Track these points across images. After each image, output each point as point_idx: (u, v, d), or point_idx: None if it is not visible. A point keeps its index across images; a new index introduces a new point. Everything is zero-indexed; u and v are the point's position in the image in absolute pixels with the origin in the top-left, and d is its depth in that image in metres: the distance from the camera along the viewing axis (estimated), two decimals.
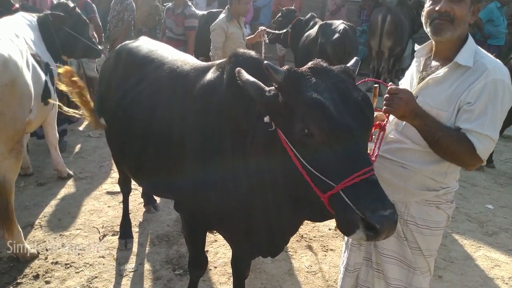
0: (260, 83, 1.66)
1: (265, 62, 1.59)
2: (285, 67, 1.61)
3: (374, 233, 1.35)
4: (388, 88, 1.73)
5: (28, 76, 3.05)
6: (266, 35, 4.69)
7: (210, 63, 2.36)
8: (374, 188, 1.42)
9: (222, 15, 4.80)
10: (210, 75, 2.16)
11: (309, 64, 1.60)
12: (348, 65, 1.68)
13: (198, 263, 2.55)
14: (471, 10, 1.79)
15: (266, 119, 1.64)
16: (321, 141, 1.45)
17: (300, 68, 1.60)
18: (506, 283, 3.18)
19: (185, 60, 2.52)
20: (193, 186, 2.12)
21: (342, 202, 1.40)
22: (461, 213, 4.14)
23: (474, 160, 1.73)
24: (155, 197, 4.01)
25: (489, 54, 1.82)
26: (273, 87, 1.62)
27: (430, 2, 1.84)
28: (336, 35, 5.49)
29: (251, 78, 1.66)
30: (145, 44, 2.91)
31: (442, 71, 1.82)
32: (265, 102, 1.61)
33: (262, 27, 4.84)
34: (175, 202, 2.41)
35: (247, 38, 4.94)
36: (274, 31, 5.88)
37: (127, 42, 3.11)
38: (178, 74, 2.37)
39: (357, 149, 1.46)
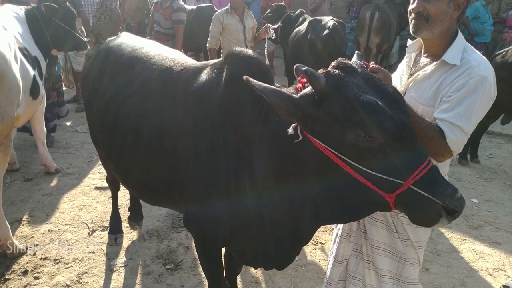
0: (285, 91, 1.55)
1: (306, 68, 1.44)
2: (321, 71, 1.51)
3: (454, 215, 1.42)
4: (370, 66, 1.75)
5: (16, 70, 3.00)
6: (272, 31, 4.79)
7: (203, 63, 2.21)
8: (439, 174, 1.46)
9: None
10: (204, 77, 2.02)
11: (334, 64, 1.53)
12: (356, 60, 1.66)
13: None
14: (451, 5, 1.77)
15: (291, 130, 1.53)
16: (383, 142, 1.41)
17: (330, 70, 1.51)
18: (491, 275, 3.26)
19: (174, 59, 2.33)
20: (195, 198, 2.01)
21: (415, 197, 1.41)
22: None
23: (442, 150, 1.71)
24: None
25: (477, 51, 1.82)
26: (304, 93, 1.52)
27: (412, 0, 1.86)
28: (326, 31, 5.52)
29: (271, 86, 1.54)
30: (129, 42, 2.73)
31: (430, 68, 1.84)
32: (300, 112, 1.49)
33: (268, 24, 4.96)
34: (184, 217, 2.19)
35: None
36: (276, 26, 5.92)
37: (109, 39, 2.94)
38: (169, 77, 2.21)
39: (414, 141, 1.47)
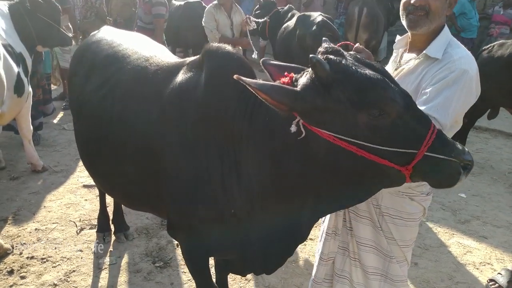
0: (285, 86, 1.45)
1: (312, 55, 1.37)
2: (320, 56, 1.45)
3: (468, 169, 1.43)
4: (355, 47, 1.75)
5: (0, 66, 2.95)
6: (253, 23, 4.74)
7: (179, 61, 2.08)
8: (444, 134, 1.48)
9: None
10: (181, 77, 1.89)
11: (322, 50, 1.47)
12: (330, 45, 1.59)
13: None
14: (447, 2, 1.80)
15: (293, 128, 1.44)
16: (395, 116, 1.40)
17: (327, 56, 1.44)
18: (477, 268, 3.30)
19: (150, 57, 2.18)
20: (177, 206, 1.91)
21: (432, 162, 1.41)
22: (435, 202, 4.26)
23: None
24: None
25: (462, 46, 1.82)
26: (304, 84, 1.43)
27: None
28: (314, 27, 5.51)
29: (268, 82, 1.44)
30: (108, 38, 2.60)
31: (413, 62, 1.84)
32: (307, 106, 1.41)
33: (247, 15, 4.88)
34: (167, 225, 2.08)
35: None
36: (258, 20, 5.87)
37: (91, 35, 2.84)
38: (143, 78, 2.08)
39: (417, 108, 1.49)
